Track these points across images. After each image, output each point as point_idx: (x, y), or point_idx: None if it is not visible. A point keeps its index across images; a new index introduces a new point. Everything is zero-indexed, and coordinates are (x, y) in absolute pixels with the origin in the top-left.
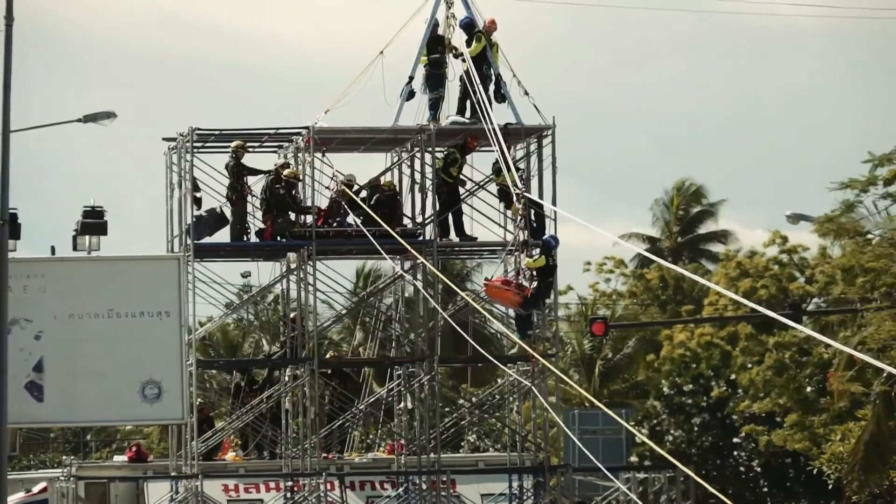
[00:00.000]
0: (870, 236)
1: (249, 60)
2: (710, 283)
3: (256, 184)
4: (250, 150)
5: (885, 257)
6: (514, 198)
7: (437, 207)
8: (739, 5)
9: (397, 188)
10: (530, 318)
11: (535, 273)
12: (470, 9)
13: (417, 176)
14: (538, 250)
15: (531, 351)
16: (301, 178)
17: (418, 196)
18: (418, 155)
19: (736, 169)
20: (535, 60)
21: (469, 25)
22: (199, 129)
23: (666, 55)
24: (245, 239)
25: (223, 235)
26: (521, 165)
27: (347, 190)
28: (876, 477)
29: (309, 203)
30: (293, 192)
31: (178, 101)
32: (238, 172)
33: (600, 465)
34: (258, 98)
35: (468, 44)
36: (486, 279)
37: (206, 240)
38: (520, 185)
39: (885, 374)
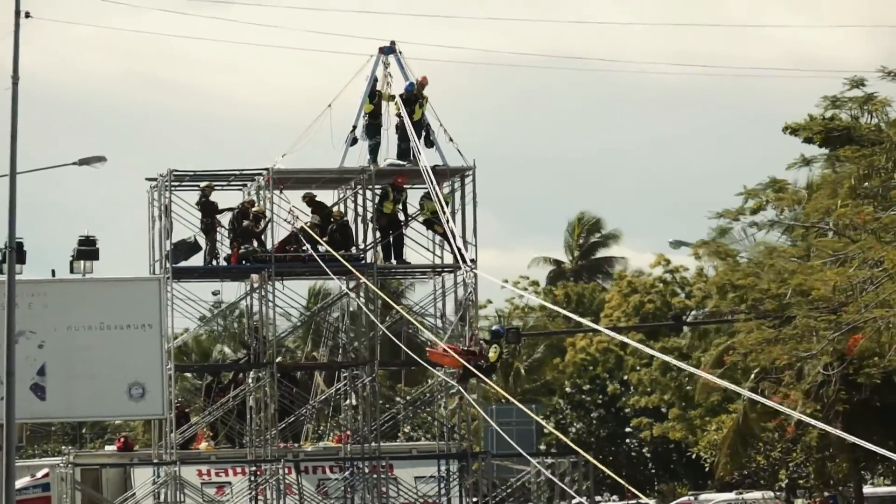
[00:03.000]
0: (739, 258)
1: (209, 112)
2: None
3: (225, 216)
4: (219, 188)
5: (752, 276)
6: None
7: (377, 236)
8: (615, 64)
9: (346, 218)
10: (467, 380)
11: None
12: (405, 70)
13: (360, 209)
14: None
15: (456, 356)
16: (265, 214)
17: (361, 226)
18: (360, 192)
19: (629, 203)
20: (457, 111)
21: (409, 91)
22: (175, 171)
23: (564, 104)
24: (215, 263)
25: (197, 260)
26: (448, 200)
27: (306, 228)
28: (743, 460)
29: (268, 231)
30: (257, 224)
31: (153, 148)
32: (207, 208)
33: (521, 450)
34: (217, 145)
35: (409, 111)
36: (443, 349)
37: (182, 264)
38: (469, 261)
39: (752, 375)
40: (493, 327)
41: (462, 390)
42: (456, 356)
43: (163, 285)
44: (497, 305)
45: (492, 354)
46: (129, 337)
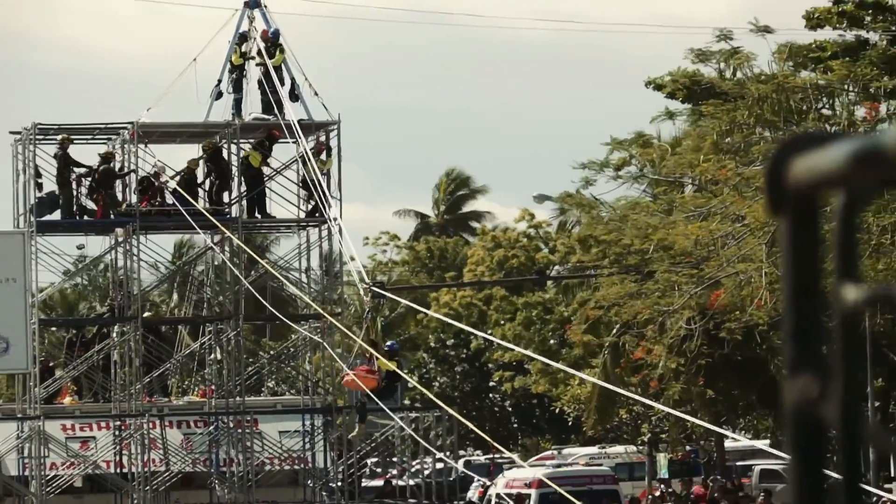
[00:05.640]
0: (602, 212)
1: (74, 66)
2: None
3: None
4: (83, 142)
5: (614, 231)
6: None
7: (244, 190)
8: (479, 19)
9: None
10: (366, 407)
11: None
12: (269, 23)
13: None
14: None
15: (321, 310)
16: (115, 153)
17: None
18: (225, 146)
19: (497, 159)
20: (325, 68)
21: (275, 36)
22: (40, 125)
23: (429, 59)
24: (77, 217)
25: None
26: (324, 158)
27: (172, 182)
28: (606, 415)
29: (132, 186)
30: (112, 169)
31: (17, 101)
32: (65, 161)
33: (383, 406)
34: (83, 100)
35: (270, 54)
36: (346, 372)
37: (47, 217)
38: (367, 280)
39: (615, 329)
40: (388, 344)
41: (326, 346)
42: (362, 385)
43: (27, 239)
44: (361, 261)
45: (390, 366)
46: None
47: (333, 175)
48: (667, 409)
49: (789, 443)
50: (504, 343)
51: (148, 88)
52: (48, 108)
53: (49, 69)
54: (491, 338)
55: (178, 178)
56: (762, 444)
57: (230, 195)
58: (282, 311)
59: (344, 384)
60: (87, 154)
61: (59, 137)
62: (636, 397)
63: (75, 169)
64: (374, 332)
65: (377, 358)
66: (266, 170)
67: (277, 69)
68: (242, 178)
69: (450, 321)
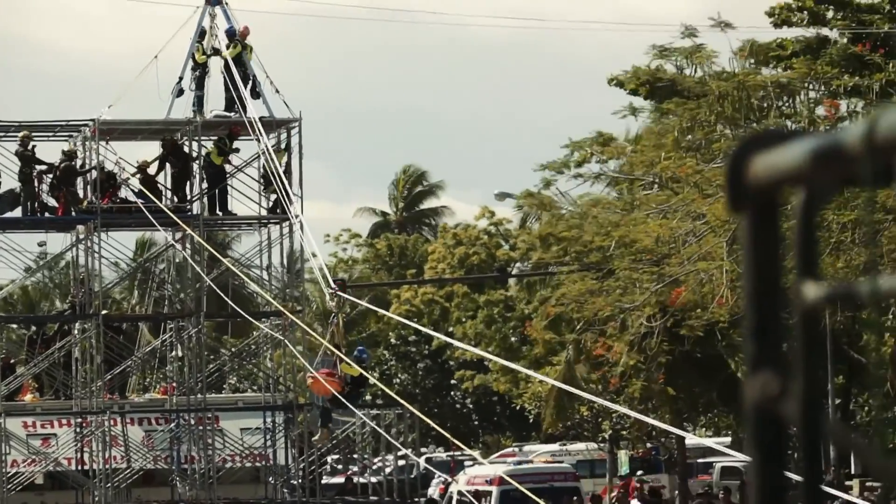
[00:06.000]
0: (563, 210)
1: (35, 62)
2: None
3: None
4: (44, 139)
5: (575, 228)
6: (328, 297)
7: (206, 187)
8: (444, 17)
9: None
10: (330, 412)
11: (349, 379)
12: (230, 20)
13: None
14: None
15: (282, 308)
16: (77, 150)
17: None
18: (187, 142)
19: (455, 156)
20: (283, 63)
21: (230, 33)
22: (0, 121)
23: (391, 57)
24: (39, 214)
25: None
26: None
27: (133, 180)
28: (567, 412)
29: (94, 183)
30: (73, 166)
31: None
32: (26, 159)
33: (346, 401)
34: (44, 97)
35: (227, 48)
36: (309, 375)
37: (7, 214)
38: (332, 284)
39: (577, 327)
40: (357, 350)
41: (286, 342)
42: (329, 387)
43: None
44: (322, 258)
45: (354, 372)
46: None
47: (294, 172)
48: (623, 410)
49: (750, 440)
50: (460, 344)
51: (114, 86)
52: (12, 106)
53: (15, 67)
54: (449, 339)
55: (137, 176)
56: (714, 441)
57: (192, 190)
58: (243, 308)
59: (308, 386)
60: (48, 151)
61: (21, 134)
62: (592, 397)
63: (36, 166)
64: (338, 336)
65: (342, 362)
66: (227, 167)
67: (238, 62)
68: (204, 175)
69: (407, 321)
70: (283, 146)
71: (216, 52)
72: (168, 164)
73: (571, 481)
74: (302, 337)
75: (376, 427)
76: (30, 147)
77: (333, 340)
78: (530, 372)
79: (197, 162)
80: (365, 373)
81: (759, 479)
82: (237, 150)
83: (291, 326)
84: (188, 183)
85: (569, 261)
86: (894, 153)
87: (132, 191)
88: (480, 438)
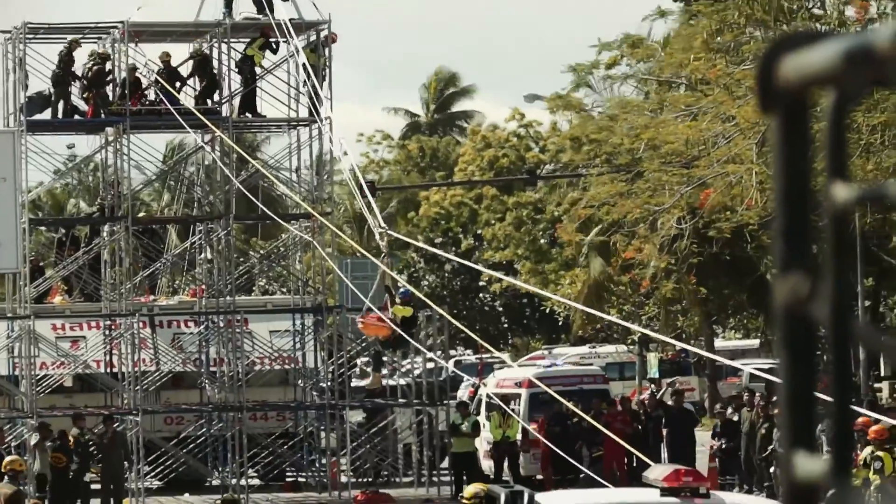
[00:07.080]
0: (593, 111)
1: None
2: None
3: (78, 71)
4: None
5: (605, 129)
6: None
7: (242, 86)
8: None
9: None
10: (382, 356)
11: (399, 320)
12: None
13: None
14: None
15: (311, 210)
16: (108, 55)
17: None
18: (216, 45)
19: (488, 58)
20: None
21: None
22: (30, 23)
23: None
24: (70, 116)
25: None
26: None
27: (161, 80)
28: (594, 315)
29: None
30: (104, 68)
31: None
32: (67, 62)
33: (371, 306)
34: None
35: None
36: (360, 318)
37: (37, 117)
38: (382, 223)
39: (600, 227)
40: (401, 292)
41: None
42: (388, 323)
43: (17, 138)
44: (353, 159)
45: (406, 312)
46: None
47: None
48: (637, 327)
49: (779, 342)
50: (483, 270)
51: None
52: (40, 8)
53: None
54: (472, 264)
55: (162, 74)
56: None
57: (221, 96)
58: (272, 210)
59: (360, 329)
60: (76, 54)
61: (70, 38)
62: (612, 319)
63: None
64: (388, 278)
65: (392, 304)
66: (257, 69)
67: None
68: (240, 76)
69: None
70: (313, 49)
71: None
72: (196, 78)
73: (601, 384)
74: (331, 239)
75: (404, 334)
76: (74, 53)
77: (384, 282)
78: (547, 295)
79: (226, 65)
80: (413, 316)
81: (788, 381)
82: (275, 51)
83: (321, 228)
84: (213, 90)
85: (599, 163)
86: None
87: (159, 94)
88: (510, 341)
